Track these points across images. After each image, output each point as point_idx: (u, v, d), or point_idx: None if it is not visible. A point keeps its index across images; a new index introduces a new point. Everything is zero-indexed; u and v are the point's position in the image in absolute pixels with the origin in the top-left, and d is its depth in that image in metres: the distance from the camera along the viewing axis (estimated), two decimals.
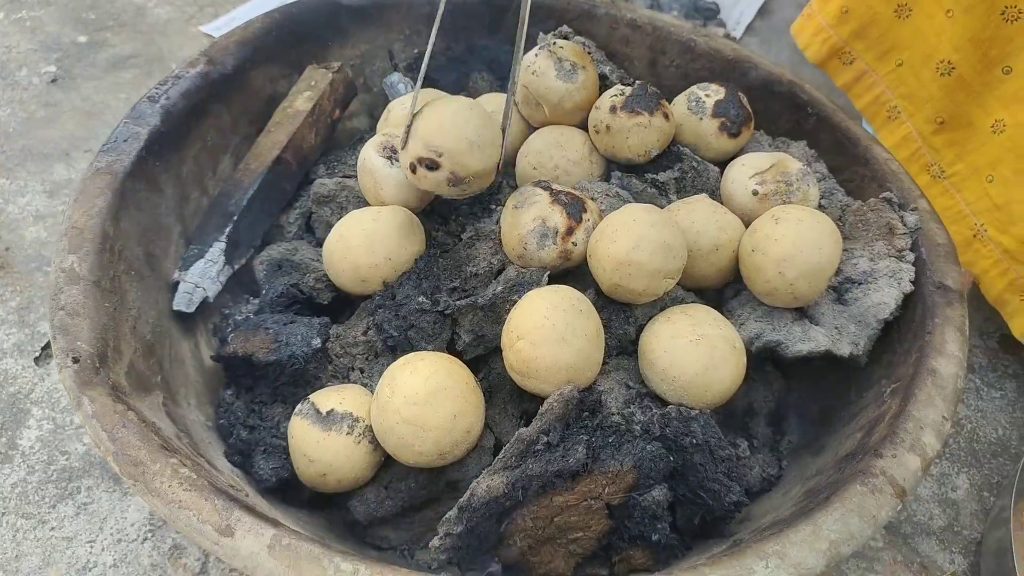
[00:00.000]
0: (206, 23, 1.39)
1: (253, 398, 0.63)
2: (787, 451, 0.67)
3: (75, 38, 1.36)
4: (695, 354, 0.57)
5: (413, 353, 0.56)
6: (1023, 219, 0.76)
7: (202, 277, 0.67)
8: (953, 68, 0.80)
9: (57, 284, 0.55)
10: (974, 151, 0.81)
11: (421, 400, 0.52)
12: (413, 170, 0.62)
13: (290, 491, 0.59)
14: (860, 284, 0.66)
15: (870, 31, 0.88)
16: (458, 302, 0.61)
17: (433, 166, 0.60)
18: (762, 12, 1.44)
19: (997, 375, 0.96)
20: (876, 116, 0.90)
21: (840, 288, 0.66)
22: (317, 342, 0.60)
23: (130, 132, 0.65)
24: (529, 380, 0.56)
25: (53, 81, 1.29)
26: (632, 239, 0.58)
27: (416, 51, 0.89)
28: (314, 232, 0.76)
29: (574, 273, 0.65)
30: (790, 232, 0.60)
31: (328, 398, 0.57)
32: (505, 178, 0.76)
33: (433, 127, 0.59)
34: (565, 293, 0.57)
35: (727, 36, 1.34)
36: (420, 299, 0.60)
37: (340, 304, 0.68)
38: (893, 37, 0.86)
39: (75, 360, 0.51)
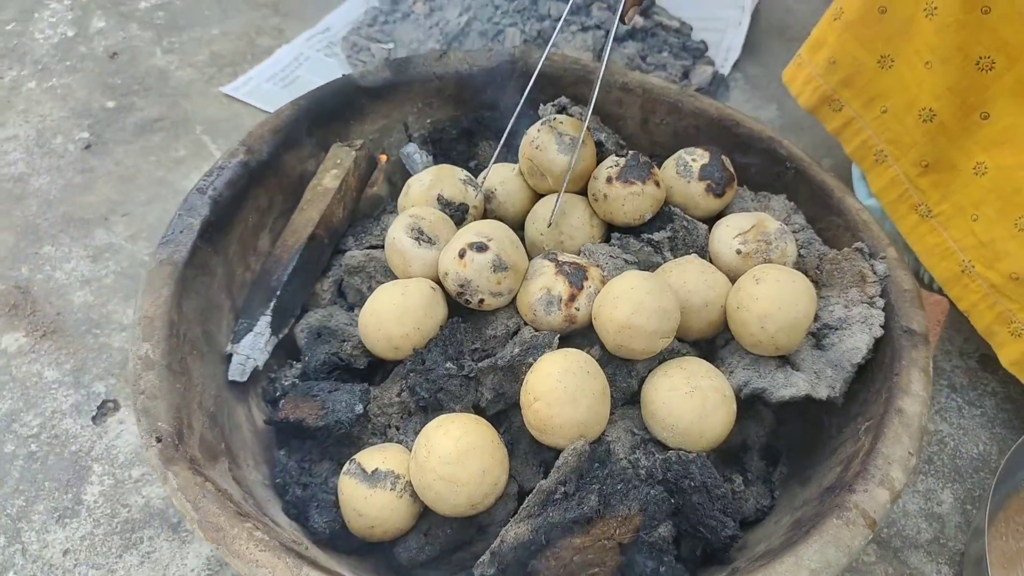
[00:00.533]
0: (225, 83, 1.48)
1: (304, 457, 0.72)
2: (779, 481, 0.75)
3: (104, 103, 1.45)
4: (689, 404, 0.65)
5: (444, 416, 0.65)
6: (1007, 256, 0.82)
7: (252, 349, 0.75)
8: (934, 115, 0.86)
9: (135, 371, 0.63)
10: (958, 192, 0.87)
11: (454, 460, 0.60)
12: (461, 256, 0.70)
13: (340, 540, 0.67)
14: (836, 330, 0.74)
15: (856, 80, 0.94)
16: (480, 364, 0.70)
17: (483, 248, 0.69)
18: (748, 48, 1.52)
19: (977, 393, 1.04)
20: (864, 159, 0.97)
21: (819, 334, 0.74)
22: (360, 408, 0.68)
23: (185, 224, 0.74)
24: (546, 436, 0.64)
25: (87, 147, 1.38)
26: (632, 305, 0.66)
27: (428, 121, 0.97)
28: (346, 297, 0.84)
29: (582, 332, 0.73)
30: (769, 292, 0.68)
31: (372, 458, 0.65)
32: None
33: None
34: (574, 357, 0.65)
35: (715, 74, 1.42)
36: (447, 365, 0.68)
37: (374, 367, 0.77)
38: (877, 86, 0.92)
39: (158, 440, 0.59)
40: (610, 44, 0.71)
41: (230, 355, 0.75)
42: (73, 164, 1.35)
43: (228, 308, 0.78)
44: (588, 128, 0.84)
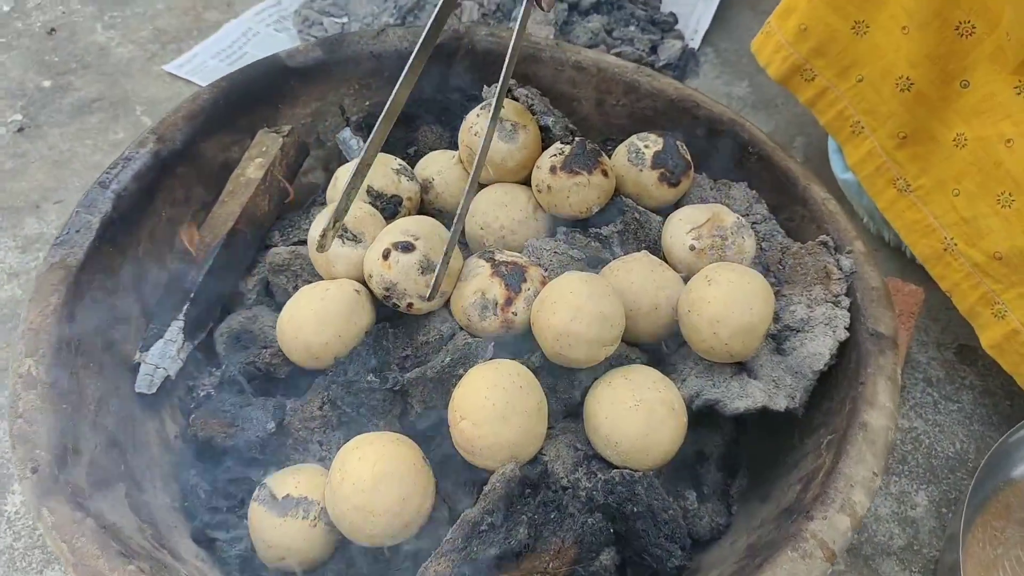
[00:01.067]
0: (169, 61, 1.39)
1: (217, 476, 0.65)
2: (738, 495, 0.69)
3: (39, 83, 1.37)
4: (634, 419, 0.60)
5: (362, 436, 0.59)
6: (990, 233, 0.78)
7: (162, 357, 0.69)
8: (912, 84, 0.81)
9: (15, 391, 0.57)
10: (938, 165, 0.82)
11: (369, 487, 0.55)
12: (385, 256, 0.64)
13: (252, 570, 0.61)
14: (798, 332, 0.68)
15: (829, 48, 0.88)
16: (407, 375, 0.64)
17: (408, 248, 0.63)
18: (719, 20, 1.44)
19: (954, 387, 0.98)
20: (840, 131, 0.92)
21: (779, 336, 0.68)
22: (271, 425, 0.62)
23: (81, 222, 0.67)
24: (474, 458, 0.58)
25: (20, 130, 1.30)
26: (570, 311, 0.60)
27: (367, 103, 0.90)
28: (273, 297, 0.77)
29: (523, 337, 0.67)
30: (721, 293, 0.62)
31: (284, 482, 0.59)
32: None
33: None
34: (506, 369, 0.59)
35: (684, 48, 1.35)
36: (369, 377, 0.62)
37: (298, 375, 0.70)
38: (852, 54, 0.87)
39: (34, 471, 0.53)
40: (523, 10, 0.63)
41: (138, 365, 0.69)
42: (4, 148, 1.27)
43: (139, 313, 0.71)
44: (531, 104, 0.78)
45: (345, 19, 1.42)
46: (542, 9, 0.64)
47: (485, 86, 0.83)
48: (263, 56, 0.85)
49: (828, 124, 0.92)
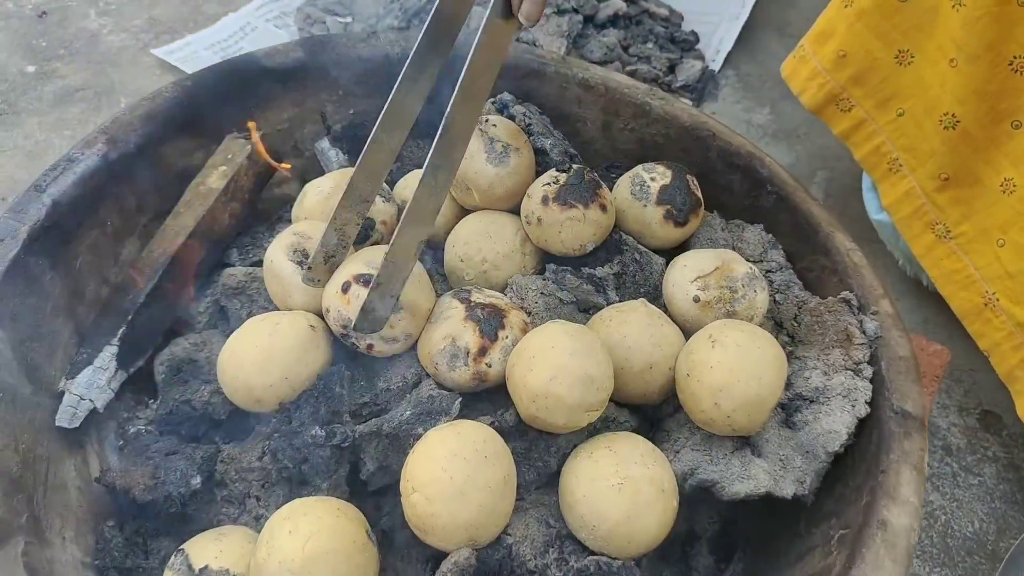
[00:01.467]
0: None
1: (138, 529, 0.57)
2: None
3: (23, 68, 1.30)
4: (616, 501, 0.51)
5: (297, 502, 0.50)
6: None
7: (89, 387, 0.61)
8: (958, 121, 0.73)
9: None
10: (982, 211, 0.75)
11: (298, 568, 0.46)
12: (345, 290, 0.56)
13: None
14: (811, 403, 0.59)
15: (869, 77, 0.81)
16: (360, 428, 0.55)
17: (371, 281, 0.55)
18: (742, 41, 1.36)
19: (976, 458, 0.90)
20: (876, 168, 0.84)
21: (790, 406, 0.60)
22: (196, 481, 0.54)
23: (7, 230, 0.59)
24: (426, 536, 0.50)
25: None
26: (550, 370, 0.52)
27: (351, 111, 0.82)
28: (228, 321, 0.69)
29: (496, 389, 0.59)
30: (727, 359, 0.54)
31: (205, 548, 0.51)
32: (434, 265, 0.70)
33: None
34: (469, 435, 0.51)
35: (704, 69, 1.27)
36: (315, 430, 0.54)
37: (241, 415, 0.62)
38: (894, 84, 0.79)
39: None
40: (486, 17, 0.54)
41: (63, 394, 0.61)
42: None
43: (69, 333, 0.64)
44: (528, 123, 0.70)
45: (349, 19, 1.35)
46: (519, 22, 0.55)
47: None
48: None
49: (863, 159, 0.84)
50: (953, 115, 0.73)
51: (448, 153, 0.54)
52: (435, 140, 0.53)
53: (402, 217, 0.53)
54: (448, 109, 0.52)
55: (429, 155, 0.53)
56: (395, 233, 0.53)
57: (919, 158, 0.79)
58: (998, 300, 0.73)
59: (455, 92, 0.52)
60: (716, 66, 1.30)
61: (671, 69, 1.27)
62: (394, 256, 0.54)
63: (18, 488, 0.54)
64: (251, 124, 0.72)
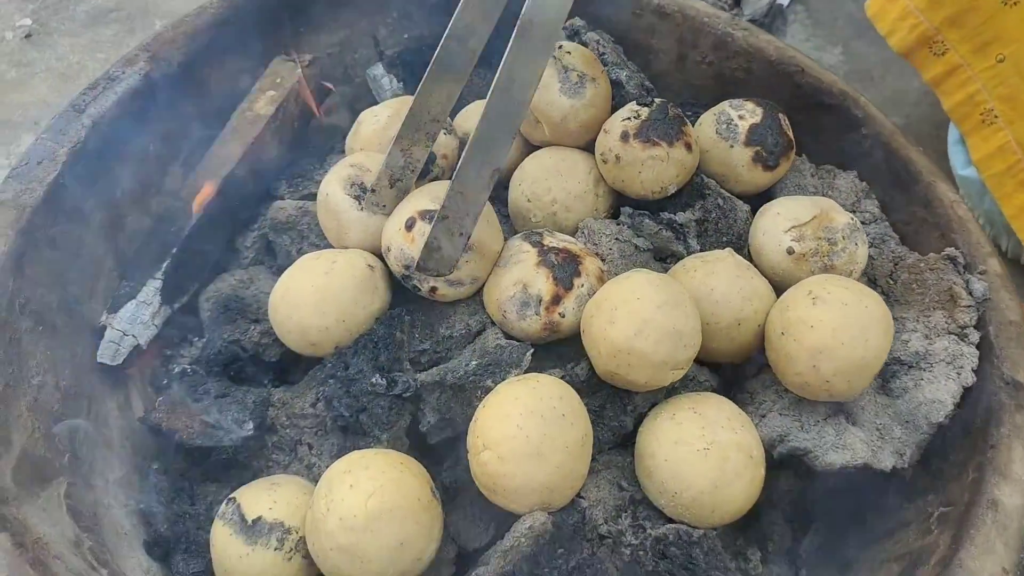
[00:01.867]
0: None
1: (184, 472, 0.54)
2: (807, 557, 0.57)
3: None
4: (702, 468, 0.47)
5: (358, 453, 0.47)
6: None
7: (132, 322, 0.57)
8: None
9: None
10: None
11: (360, 525, 0.43)
12: (409, 227, 0.51)
13: None
14: (911, 368, 0.54)
15: (969, 18, 0.73)
16: (422, 375, 0.51)
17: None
18: None
19: None
20: (967, 118, 0.77)
21: (886, 371, 0.55)
22: (249, 427, 0.50)
23: (45, 152, 0.55)
24: (497, 497, 0.46)
25: (27, 36, 1.18)
26: (635, 323, 0.47)
27: (406, 36, 0.76)
28: (275, 257, 0.65)
29: (564, 341, 0.54)
30: (831, 318, 0.49)
31: (259, 498, 0.48)
32: (498, 205, 0.65)
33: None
34: (547, 391, 0.46)
35: (772, 3, 1.18)
36: (375, 378, 0.50)
37: (292, 358, 0.58)
38: (996, 27, 0.72)
39: None
40: None
41: (104, 329, 0.57)
42: (9, 55, 1.16)
43: (110, 266, 0.60)
44: (602, 53, 0.64)
45: None
46: None
47: None
48: None
49: (953, 109, 0.77)
50: None
51: (524, 64, 0.47)
52: (507, 48, 0.46)
53: (469, 142, 0.48)
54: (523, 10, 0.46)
55: (500, 66, 0.47)
56: (461, 161, 0.48)
57: (1019, 109, 0.72)
58: None
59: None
60: (784, 0, 1.22)
61: (736, 2, 1.18)
62: (462, 186, 0.48)
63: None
64: (299, 62, 0.66)
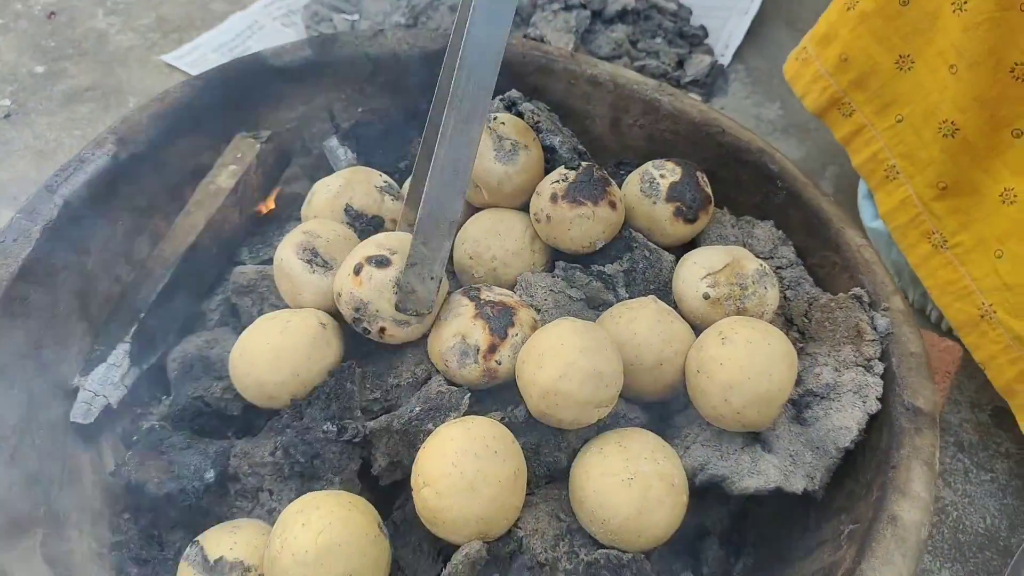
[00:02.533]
0: (169, 51, 1.33)
1: (153, 521, 0.58)
2: None
3: (32, 68, 1.31)
4: (626, 496, 0.51)
5: (310, 496, 0.51)
6: None
7: (103, 383, 0.61)
8: (957, 129, 0.72)
9: None
10: (980, 221, 0.74)
11: (311, 560, 0.47)
12: (357, 272, 0.56)
13: None
14: (822, 399, 0.59)
15: (870, 81, 0.81)
16: (371, 424, 0.56)
17: (384, 262, 0.55)
18: (752, 35, 1.36)
19: (988, 454, 0.89)
20: (873, 175, 0.83)
21: (800, 402, 0.60)
22: (211, 475, 0.54)
23: (20, 229, 0.60)
24: (437, 529, 0.50)
25: (6, 116, 1.24)
26: (559, 367, 0.52)
27: (360, 110, 0.82)
28: (239, 317, 0.70)
29: (504, 387, 0.59)
30: (737, 355, 0.54)
31: (220, 540, 0.52)
32: None
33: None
34: (479, 431, 0.51)
35: (713, 64, 1.26)
36: (326, 426, 0.54)
37: (254, 412, 0.63)
38: (893, 90, 0.79)
39: None
40: None
41: (77, 390, 0.61)
42: None
43: (83, 331, 0.64)
44: (537, 121, 0.70)
45: (356, 16, 1.35)
46: None
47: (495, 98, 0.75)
48: None
49: (861, 166, 0.84)
50: (952, 122, 0.72)
51: (460, 130, 0.52)
52: (443, 118, 0.52)
53: (422, 200, 0.53)
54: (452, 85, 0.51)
55: (440, 132, 0.52)
56: (418, 218, 0.53)
57: (917, 165, 0.78)
58: (995, 312, 0.72)
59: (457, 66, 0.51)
60: (725, 61, 1.30)
61: (680, 64, 1.26)
62: (423, 238, 0.54)
63: (35, 482, 0.54)
64: (257, 138, 0.72)
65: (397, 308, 0.56)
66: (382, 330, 0.58)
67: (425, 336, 0.60)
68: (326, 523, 0.48)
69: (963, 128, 0.72)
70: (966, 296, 0.75)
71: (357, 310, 0.57)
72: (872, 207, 0.88)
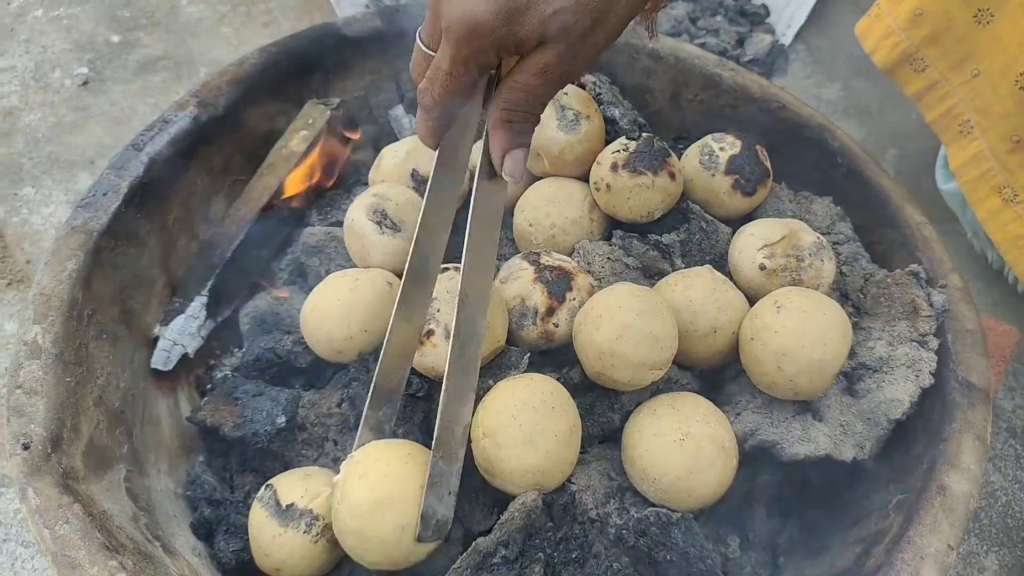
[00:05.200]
0: (237, 24, 1.37)
1: (225, 464, 0.62)
2: (786, 545, 0.62)
3: (108, 37, 1.36)
4: (678, 456, 0.53)
5: (370, 447, 0.53)
6: None
7: (181, 334, 0.65)
8: None
9: (17, 359, 0.54)
10: None
11: (365, 512, 0.49)
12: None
13: (252, 571, 0.57)
14: (875, 372, 0.60)
15: (946, 37, 0.79)
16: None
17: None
18: (815, 15, 1.34)
19: None
20: (947, 130, 0.82)
21: (853, 375, 0.61)
22: (282, 420, 0.57)
23: (110, 184, 0.64)
24: (494, 479, 0.53)
25: (84, 84, 1.29)
26: (616, 328, 0.54)
27: None
28: (307, 278, 0.73)
29: (564, 348, 0.61)
30: (792, 323, 0.55)
31: (292, 487, 0.55)
32: (503, 230, 0.73)
33: None
34: (538, 387, 0.53)
35: (774, 43, 1.25)
36: None
37: (322, 365, 0.66)
38: (971, 44, 0.77)
39: (25, 447, 0.49)
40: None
41: (157, 339, 0.65)
42: (67, 101, 1.27)
43: (163, 284, 0.68)
44: (598, 92, 0.71)
45: None
46: (504, 180, 0.51)
47: None
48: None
49: (934, 121, 0.83)
50: None
51: (471, 323, 0.51)
52: (455, 314, 0.50)
53: (439, 410, 0.51)
54: (460, 280, 0.50)
55: (452, 332, 0.50)
56: (436, 431, 0.50)
57: (991, 120, 0.77)
58: None
59: (463, 261, 0.50)
60: (787, 40, 1.29)
61: (740, 43, 1.26)
62: (442, 450, 0.51)
63: (120, 421, 0.58)
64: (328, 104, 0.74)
65: (419, 540, 0.50)
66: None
67: None
68: (381, 476, 0.50)
69: None
70: None
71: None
72: (947, 171, 0.87)
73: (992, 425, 0.89)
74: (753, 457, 0.58)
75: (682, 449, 0.53)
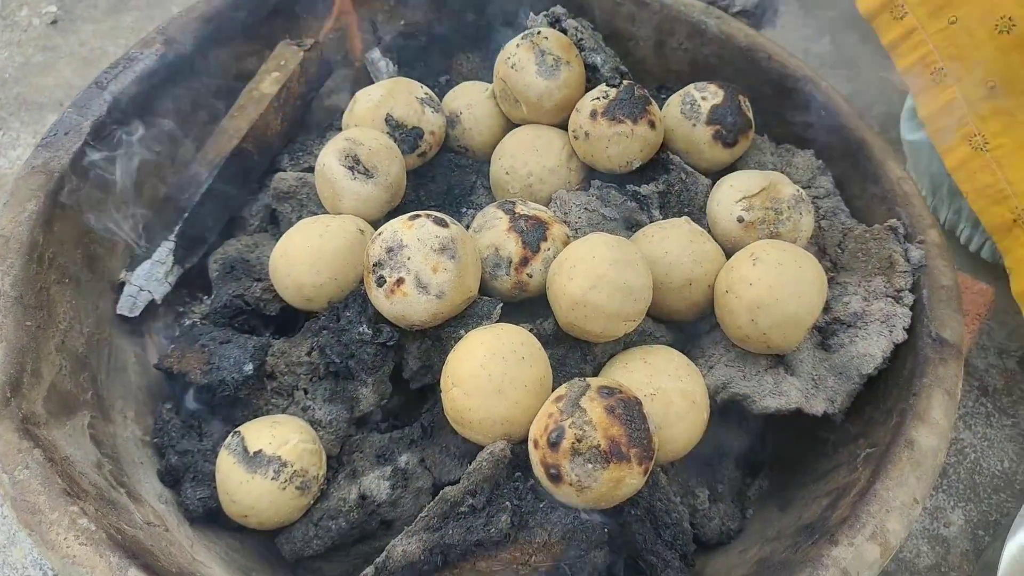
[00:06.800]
0: None
1: (192, 413, 0.61)
2: (755, 498, 0.63)
3: None
4: (648, 410, 0.53)
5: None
6: None
7: (148, 279, 0.64)
8: (1014, 25, 0.70)
9: None
10: None
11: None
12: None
13: (218, 517, 0.57)
14: (848, 327, 0.60)
15: None
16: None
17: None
18: None
19: (1012, 399, 0.89)
20: (919, 78, 0.81)
21: (827, 330, 0.60)
22: (249, 368, 0.57)
23: (71, 124, 0.61)
24: (463, 429, 0.52)
25: (53, 23, 1.25)
26: (590, 279, 0.53)
27: (402, 22, 0.82)
28: (278, 224, 0.72)
29: (538, 299, 0.60)
30: (767, 276, 0.54)
31: (260, 434, 0.54)
32: (479, 178, 0.71)
33: None
34: (508, 337, 0.52)
35: None
36: (362, 328, 0.56)
37: (290, 314, 0.65)
38: None
39: None
40: None
41: (123, 284, 0.64)
42: (35, 40, 1.23)
43: (129, 229, 0.66)
44: (580, 38, 0.69)
45: None
46: None
47: (532, 13, 0.74)
48: None
49: (906, 70, 0.82)
50: (1011, 18, 0.70)
51: None
52: None
53: None
54: None
55: None
56: None
57: (967, 66, 0.76)
58: None
59: None
60: None
61: None
62: None
63: (83, 366, 0.57)
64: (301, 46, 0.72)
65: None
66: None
67: None
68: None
69: (1020, 24, 0.70)
70: (1002, 200, 0.75)
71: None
72: (914, 121, 0.86)
73: (964, 383, 0.90)
74: (726, 410, 0.58)
75: (652, 403, 0.53)
